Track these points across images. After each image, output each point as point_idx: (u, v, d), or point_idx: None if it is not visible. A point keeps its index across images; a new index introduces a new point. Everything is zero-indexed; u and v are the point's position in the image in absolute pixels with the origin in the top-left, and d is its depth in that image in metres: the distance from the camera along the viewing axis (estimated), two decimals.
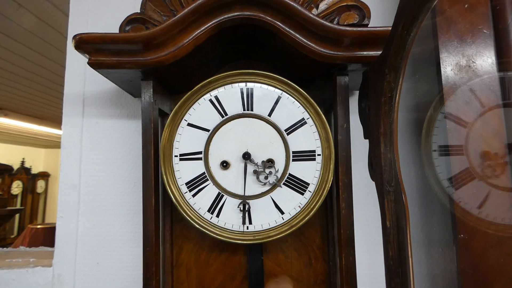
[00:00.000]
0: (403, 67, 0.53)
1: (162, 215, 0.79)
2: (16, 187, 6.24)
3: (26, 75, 3.43)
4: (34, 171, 6.88)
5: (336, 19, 0.63)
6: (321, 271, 0.80)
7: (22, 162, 6.57)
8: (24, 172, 6.49)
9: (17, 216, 5.93)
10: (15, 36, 2.39)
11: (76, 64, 0.90)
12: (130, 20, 0.66)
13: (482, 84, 0.68)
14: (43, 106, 4.94)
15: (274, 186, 0.65)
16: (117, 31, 0.70)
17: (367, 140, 0.67)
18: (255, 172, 0.66)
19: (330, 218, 0.79)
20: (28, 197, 6.52)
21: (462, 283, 0.64)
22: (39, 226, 2.80)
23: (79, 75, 0.89)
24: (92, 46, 0.62)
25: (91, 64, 0.63)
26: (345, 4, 0.63)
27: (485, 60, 0.70)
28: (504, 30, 0.70)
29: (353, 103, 0.84)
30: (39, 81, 3.68)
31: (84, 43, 0.62)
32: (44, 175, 7.09)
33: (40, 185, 6.97)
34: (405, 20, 0.47)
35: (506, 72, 0.68)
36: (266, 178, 0.65)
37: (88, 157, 0.87)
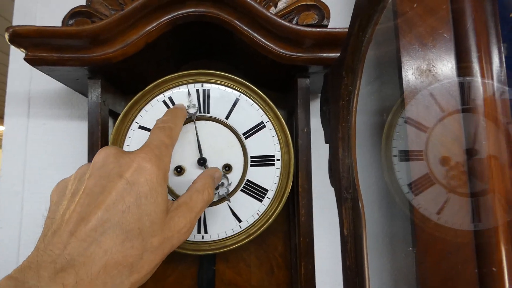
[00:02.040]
0: (360, 69, 0.51)
1: None
2: None
3: None
4: None
5: (295, 19, 0.61)
6: (284, 279, 0.77)
7: None
8: None
9: None
10: None
11: (21, 59, 0.82)
12: (75, 13, 0.60)
13: (442, 89, 0.67)
14: None
15: (227, 196, 0.62)
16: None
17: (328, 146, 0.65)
18: None
19: (292, 224, 0.76)
20: None
21: (421, 285, 0.63)
22: None
23: (25, 72, 0.82)
24: (29, 41, 0.56)
25: (28, 60, 0.58)
26: (304, 3, 0.60)
27: (445, 64, 0.70)
28: (463, 34, 0.70)
29: (316, 107, 0.82)
30: None
31: (20, 37, 0.56)
32: None
33: None
34: (360, 20, 0.45)
35: (465, 77, 0.68)
36: (216, 188, 0.62)
37: (34, 161, 0.80)
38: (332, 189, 0.63)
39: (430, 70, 0.69)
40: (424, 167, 0.64)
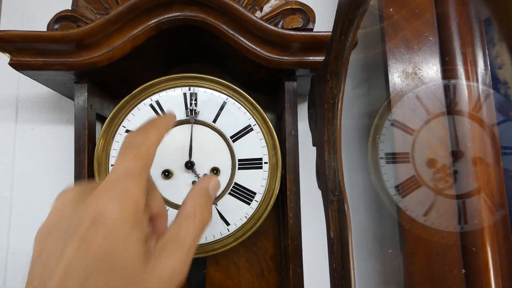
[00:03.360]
0: (343, 73, 0.52)
1: None
2: None
3: None
4: None
5: (280, 23, 0.61)
6: (273, 282, 0.77)
7: None
8: None
9: None
10: None
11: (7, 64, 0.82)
12: (60, 18, 0.60)
13: (428, 92, 0.68)
14: None
15: (215, 199, 0.62)
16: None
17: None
18: (193, 183, 0.62)
19: (282, 227, 0.76)
20: None
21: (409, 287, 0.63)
22: None
23: (12, 75, 0.81)
24: (13, 45, 0.56)
25: (12, 65, 0.57)
26: (289, 7, 0.61)
27: (431, 67, 0.70)
28: (448, 37, 0.71)
29: (303, 110, 0.82)
30: None
31: (3, 42, 0.56)
32: None
33: None
34: (342, 24, 0.46)
35: (450, 80, 0.69)
36: None
37: (22, 166, 0.79)
38: (319, 192, 0.63)
39: (416, 73, 0.70)
40: (411, 169, 0.64)
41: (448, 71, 0.70)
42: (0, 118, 0.81)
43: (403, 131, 0.65)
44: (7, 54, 0.57)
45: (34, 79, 0.63)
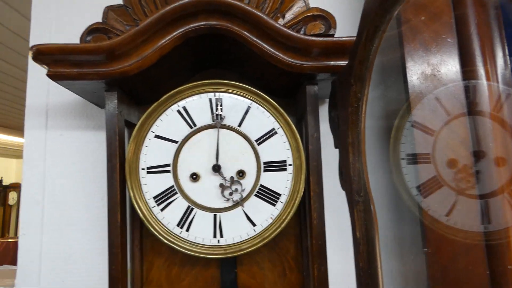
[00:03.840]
0: (368, 77, 0.53)
1: (130, 230, 0.76)
2: None
3: None
4: (6, 182, 6.60)
5: (302, 29, 0.63)
6: (296, 282, 0.79)
7: None
8: None
9: None
10: None
11: (38, 74, 0.86)
12: (92, 30, 0.63)
13: (447, 93, 0.69)
14: (10, 114, 4.75)
15: (241, 201, 0.64)
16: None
17: (338, 150, 0.67)
18: (221, 185, 0.64)
19: (304, 228, 0.78)
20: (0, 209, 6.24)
21: (432, 286, 0.64)
22: (10, 240, 2.68)
23: (42, 85, 0.85)
24: (51, 57, 0.59)
25: (50, 76, 0.60)
26: (311, 14, 0.63)
27: (450, 68, 0.71)
28: (467, 39, 0.72)
29: (324, 112, 0.84)
30: (4, 89, 3.53)
31: (42, 54, 0.59)
32: (16, 187, 6.81)
33: (12, 196, 6.68)
34: (368, 31, 0.48)
35: (470, 81, 0.69)
36: (230, 194, 0.64)
37: (52, 170, 0.83)
38: (342, 193, 0.65)
39: (434, 74, 0.71)
40: (432, 170, 0.65)
41: (467, 72, 0.71)
42: (32, 126, 0.84)
43: (423, 132, 0.66)
44: (45, 66, 0.60)
45: (68, 88, 0.66)
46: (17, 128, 5.73)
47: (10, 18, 1.96)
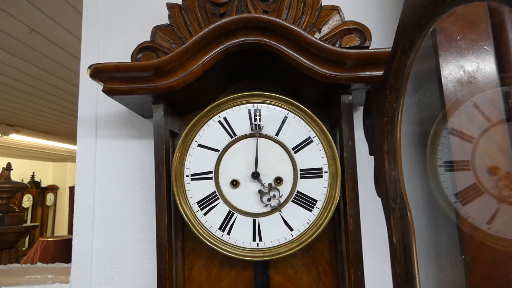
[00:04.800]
0: (403, 88, 0.55)
1: (173, 232, 0.81)
2: (27, 201, 6.36)
3: (37, 93, 3.53)
4: (43, 184, 7.01)
5: (338, 42, 0.66)
6: (331, 286, 0.80)
7: (32, 176, 6.70)
8: (34, 185, 6.62)
9: None
10: (27, 58, 2.48)
11: (89, 87, 0.94)
12: (141, 49, 0.69)
13: (485, 100, 0.69)
14: (52, 121, 5.08)
15: (279, 207, 0.67)
16: (128, 57, 0.74)
17: (373, 157, 0.68)
18: (260, 192, 0.68)
19: (338, 232, 0.80)
20: (38, 210, 6.64)
21: None
22: (49, 239, 2.85)
23: (92, 98, 0.93)
24: (106, 75, 0.66)
25: (105, 91, 0.67)
26: (346, 27, 0.65)
27: (487, 75, 0.71)
28: (505, 46, 0.71)
29: (358, 117, 0.86)
30: (48, 99, 3.79)
31: (99, 72, 0.65)
32: (53, 188, 7.22)
33: (49, 198, 7.09)
34: (403, 45, 0.49)
35: (508, 87, 0.69)
36: (269, 200, 0.67)
37: (102, 176, 0.90)
38: (377, 199, 0.66)
39: (471, 82, 0.71)
40: (471, 177, 0.65)
41: (505, 78, 0.70)
42: (83, 135, 0.92)
43: (461, 139, 0.66)
44: (101, 83, 0.66)
45: (119, 102, 0.73)
46: (54, 134, 6.09)
47: (60, 37, 2.12)
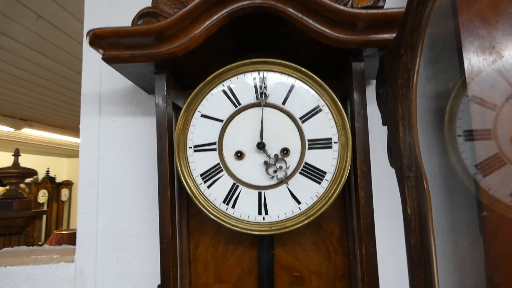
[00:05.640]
0: (419, 46, 0.51)
1: (178, 209, 0.79)
2: (42, 196, 6.49)
3: (49, 86, 3.56)
4: (58, 180, 7.14)
5: (349, 2, 0.62)
6: (341, 265, 0.77)
7: (47, 172, 6.82)
8: (49, 181, 6.74)
9: (44, 223, 6.17)
10: (36, 47, 2.48)
11: (92, 64, 0.92)
12: (142, 14, 0.66)
13: (509, 65, 0.64)
14: (65, 116, 5.14)
15: (285, 179, 0.64)
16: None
17: (386, 129, 0.64)
18: (265, 163, 0.64)
19: (349, 209, 0.77)
20: (54, 205, 6.77)
21: (491, 273, 0.60)
22: (63, 232, 2.89)
23: (95, 75, 0.91)
24: (106, 41, 0.63)
25: (105, 59, 0.64)
26: None
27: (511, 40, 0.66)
28: None
29: (370, 92, 0.81)
30: (62, 92, 3.82)
31: (98, 38, 0.63)
32: (68, 184, 7.34)
33: (64, 193, 7.21)
34: None
35: None
36: (275, 172, 0.64)
37: (106, 154, 0.88)
38: (390, 173, 0.62)
39: (494, 47, 0.66)
40: (493, 147, 0.61)
41: None
42: (87, 112, 0.90)
43: (482, 106, 0.62)
44: (100, 50, 0.64)
45: (120, 72, 0.70)
46: (68, 128, 6.17)
47: (68, 23, 2.11)
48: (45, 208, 6.55)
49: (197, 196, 0.66)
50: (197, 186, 0.66)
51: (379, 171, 0.71)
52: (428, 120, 0.70)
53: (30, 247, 1.08)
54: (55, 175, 7.10)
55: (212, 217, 0.65)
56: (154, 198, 0.86)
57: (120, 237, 0.85)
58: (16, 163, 1.66)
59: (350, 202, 0.76)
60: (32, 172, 1.62)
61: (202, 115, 0.67)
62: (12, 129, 5.28)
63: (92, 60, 0.92)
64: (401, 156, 0.56)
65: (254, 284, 0.77)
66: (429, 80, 0.78)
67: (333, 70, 0.76)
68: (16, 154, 1.73)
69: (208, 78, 0.67)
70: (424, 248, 0.53)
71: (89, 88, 0.91)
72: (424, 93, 0.77)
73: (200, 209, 0.65)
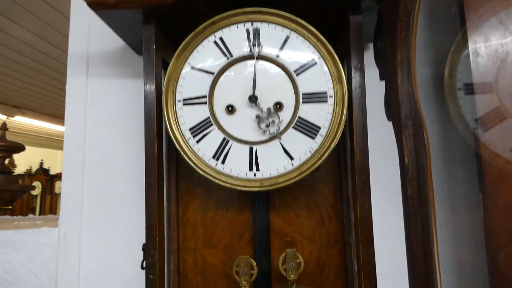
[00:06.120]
0: None
1: (166, 171, 0.76)
2: (36, 188, 6.41)
3: (43, 70, 3.47)
4: (52, 172, 7.05)
5: None
6: (335, 231, 0.75)
7: (41, 164, 6.74)
8: (43, 173, 6.66)
9: (37, 215, 6.12)
10: (28, 27, 2.41)
11: (80, 24, 0.88)
12: None
13: (511, 19, 0.61)
14: (60, 105, 5.05)
15: (278, 134, 0.61)
16: None
17: (383, 87, 0.62)
18: (257, 117, 0.62)
19: (343, 173, 0.74)
20: (47, 197, 6.69)
21: (490, 230, 0.58)
22: None
23: (83, 35, 0.87)
24: None
25: (90, 4, 0.61)
26: None
27: None
28: None
29: (367, 55, 0.78)
30: (56, 77, 3.73)
31: None
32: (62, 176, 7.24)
33: (58, 185, 7.13)
34: None
35: None
36: (267, 126, 0.61)
37: (93, 117, 0.85)
38: (386, 129, 0.60)
39: None
40: (494, 101, 0.58)
41: None
42: (74, 74, 0.87)
43: (483, 59, 0.59)
44: None
45: (107, 23, 0.67)
46: (63, 118, 6.09)
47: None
48: (38, 200, 6.47)
49: (186, 151, 0.63)
50: (186, 141, 0.63)
51: (375, 128, 0.69)
52: (428, 75, 0.67)
53: (14, 216, 1.04)
54: (49, 167, 7.02)
55: (201, 172, 0.62)
56: (142, 162, 0.82)
57: (106, 201, 0.82)
58: (3, 137, 1.62)
59: (345, 165, 0.73)
60: (19, 147, 1.58)
61: (192, 68, 0.64)
62: (4, 117, 5.20)
63: (80, 19, 0.88)
64: (399, 105, 0.53)
65: (245, 249, 0.74)
66: (428, 31, 0.75)
67: (330, 30, 0.73)
68: (3, 128, 1.69)
69: (198, 28, 0.64)
70: (421, 198, 0.51)
71: (77, 48, 0.87)
72: (424, 43, 0.74)
73: (188, 164, 0.63)
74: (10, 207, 1.55)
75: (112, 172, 0.83)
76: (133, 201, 0.81)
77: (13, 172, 1.64)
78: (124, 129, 0.84)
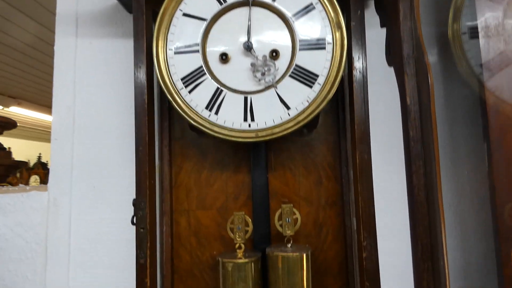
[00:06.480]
0: None
1: (159, 131, 0.73)
2: (34, 182, 6.39)
3: (41, 58, 3.41)
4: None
5: None
6: (333, 192, 0.72)
7: (39, 157, 6.71)
8: (41, 167, 6.63)
9: None
10: (24, 8, 2.36)
11: None
12: None
13: None
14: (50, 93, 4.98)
15: (274, 83, 0.58)
16: None
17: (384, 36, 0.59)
18: (252, 65, 0.59)
19: (342, 132, 0.72)
20: None
21: (495, 181, 0.55)
22: None
23: None
24: None
25: None
26: None
27: None
28: None
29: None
30: (46, 64, 3.66)
31: None
32: None
33: None
34: None
35: None
36: (262, 75, 0.58)
37: (82, 78, 0.82)
38: (387, 80, 0.57)
39: None
40: (500, 45, 0.56)
41: None
42: (62, 34, 0.83)
43: (489, 1, 0.56)
44: None
45: None
46: None
47: None
48: None
49: (178, 101, 0.60)
50: (178, 91, 0.60)
51: (375, 77, 0.66)
52: (431, 18, 0.64)
53: (4, 187, 1.02)
54: (47, 161, 6.99)
55: (194, 123, 0.59)
56: (133, 123, 0.79)
57: (97, 164, 0.79)
58: None
59: (344, 122, 0.71)
60: (11, 123, 1.54)
61: (184, 14, 0.61)
62: (0, 107, 5.14)
63: None
64: (401, 43, 0.50)
65: (240, 210, 0.72)
66: None
67: None
68: None
69: None
70: (424, 140, 0.48)
71: (65, 7, 0.84)
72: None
73: (180, 114, 0.60)
74: (3, 184, 1.52)
75: (102, 135, 0.80)
76: (124, 164, 0.79)
77: (6, 149, 1.62)
78: (115, 91, 0.81)
